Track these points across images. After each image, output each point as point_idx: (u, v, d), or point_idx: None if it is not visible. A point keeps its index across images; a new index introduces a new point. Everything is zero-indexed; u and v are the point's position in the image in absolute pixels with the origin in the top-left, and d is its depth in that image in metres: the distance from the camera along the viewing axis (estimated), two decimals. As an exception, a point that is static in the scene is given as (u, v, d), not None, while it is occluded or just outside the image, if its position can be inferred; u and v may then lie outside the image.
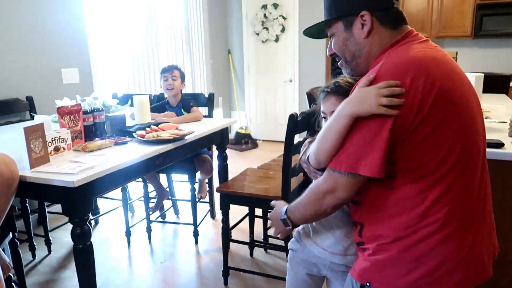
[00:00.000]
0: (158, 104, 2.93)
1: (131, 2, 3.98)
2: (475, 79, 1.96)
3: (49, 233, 2.66)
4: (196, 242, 2.76)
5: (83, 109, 1.97)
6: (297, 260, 1.35)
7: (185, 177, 3.04)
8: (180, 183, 3.45)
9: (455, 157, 0.93)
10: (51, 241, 2.67)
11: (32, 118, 3.02)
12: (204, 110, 3.08)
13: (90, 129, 2.00)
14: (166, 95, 2.88)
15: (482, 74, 2.05)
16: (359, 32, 1.04)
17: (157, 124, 2.12)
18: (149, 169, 1.87)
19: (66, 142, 1.74)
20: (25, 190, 1.55)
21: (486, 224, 1.03)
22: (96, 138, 1.99)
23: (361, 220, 1.07)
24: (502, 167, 1.62)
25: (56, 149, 1.69)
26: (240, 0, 5.56)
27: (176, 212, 3.27)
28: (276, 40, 5.44)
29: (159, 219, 3.09)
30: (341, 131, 0.95)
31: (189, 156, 2.37)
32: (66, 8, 3.30)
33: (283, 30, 5.35)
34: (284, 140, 1.74)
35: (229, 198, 2.14)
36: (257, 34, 5.54)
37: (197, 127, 2.24)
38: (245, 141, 5.49)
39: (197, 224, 2.75)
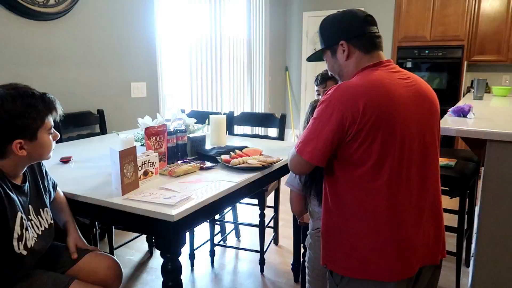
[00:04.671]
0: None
1: (198, 15, 3.96)
2: None
3: (114, 250, 2.60)
4: (262, 271, 2.61)
5: (167, 129, 1.88)
6: None
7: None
8: (243, 206, 3.30)
9: (385, 163, 1.16)
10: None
11: (102, 132, 3.01)
12: (275, 131, 2.94)
13: (173, 151, 1.91)
14: None
15: None
16: (341, 56, 1.32)
17: (241, 149, 2.00)
18: (236, 199, 1.74)
19: (154, 166, 1.64)
20: (114, 218, 1.46)
21: (426, 223, 1.25)
22: (179, 161, 1.89)
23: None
24: None
25: (145, 174, 1.59)
26: (302, 17, 5.46)
27: (237, 236, 3.13)
28: (337, 58, 5.26)
29: (221, 242, 2.96)
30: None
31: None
32: (139, 21, 3.30)
33: (345, 48, 5.17)
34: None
35: (312, 232, 1.97)
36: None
37: (278, 153, 2.10)
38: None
39: (264, 251, 2.60)
